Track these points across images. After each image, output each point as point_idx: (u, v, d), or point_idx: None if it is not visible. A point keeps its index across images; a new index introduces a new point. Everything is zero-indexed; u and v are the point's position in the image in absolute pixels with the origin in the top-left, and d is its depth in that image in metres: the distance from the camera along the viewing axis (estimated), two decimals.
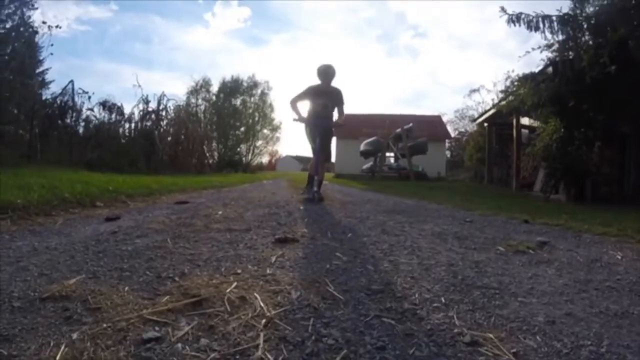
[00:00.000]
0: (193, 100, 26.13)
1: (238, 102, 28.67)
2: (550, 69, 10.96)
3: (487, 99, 27.02)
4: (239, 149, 27.02)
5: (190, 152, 12.14)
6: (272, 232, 2.31)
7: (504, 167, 15.51)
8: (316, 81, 5.11)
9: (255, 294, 1.16)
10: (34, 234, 2.06)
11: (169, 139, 11.45)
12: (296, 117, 5.01)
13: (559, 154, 10.37)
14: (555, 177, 10.64)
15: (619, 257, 2.12)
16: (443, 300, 1.27)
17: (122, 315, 1.00)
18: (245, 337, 0.90)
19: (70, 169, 6.61)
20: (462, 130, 30.89)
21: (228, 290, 1.18)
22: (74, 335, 0.89)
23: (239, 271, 1.43)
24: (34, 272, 1.37)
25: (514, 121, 13.86)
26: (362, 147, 18.37)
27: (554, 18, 10.41)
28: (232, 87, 28.60)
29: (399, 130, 17.20)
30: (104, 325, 0.94)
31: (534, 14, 10.48)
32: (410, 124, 17.72)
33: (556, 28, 10.52)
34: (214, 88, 28.41)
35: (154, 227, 2.29)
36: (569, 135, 10.19)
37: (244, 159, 25.89)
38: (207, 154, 16.07)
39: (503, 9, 10.04)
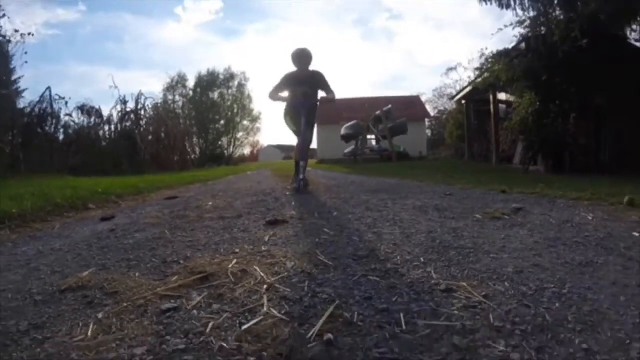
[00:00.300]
0: (170, 97, 25.94)
1: (216, 95, 28.58)
2: (523, 45, 11.21)
3: (465, 77, 27.14)
4: (220, 143, 26.98)
5: (172, 149, 12.16)
6: (263, 216, 2.44)
7: (484, 142, 15.79)
8: (292, 68, 4.67)
9: (255, 267, 1.30)
10: (36, 239, 2.15)
11: (150, 137, 11.38)
12: (279, 99, 4.55)
13: (536, 127, 10.66)
14: (533, 150, 10.95)
15: (590, 218, 2.30)
16: (422, 260, 1.42)
17: (138, 295, 1.12)
18: (251, 299, 1.04)
19: (55, 176, 6.62)
20: (442, 108, 31.02)
21: (230, 266, 1.31)
22: (100, 315, 1.01)
23: (237, 250, 1.56)
24: (46, 271, 1.47)
25: (491, 97, 14.12)
26: (342, 131, 18.50)
27: None
28: (208, 81, 28.44)
29: (378, 112, 17.39)
30: (125, 304, 1.06)
31: None
32: (389, 106, 17.91)
33: (527, 5, 10.75)
34: (190, 83, 28.23)
35: (150, 222, 2.41)
36: (545, 109, 10.46)
37: (225, 152, 25.87)
38: (189, 150, 16.07)
39: None
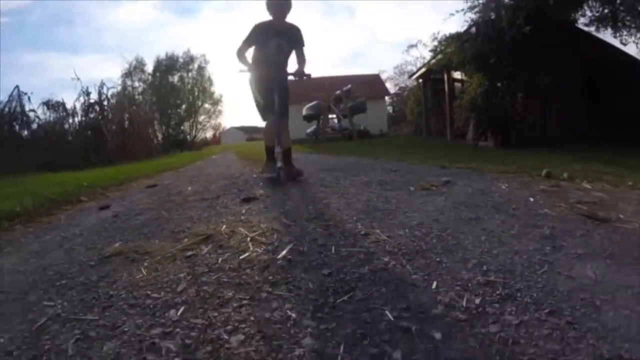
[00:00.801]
0: (129, 83, 25.52)
1: (175, 79, 28.31)
2: (473, 29, 12.00)
3: (425, 54, 27.19)
4: (182, 128, 26.92)
5: (137, 137, 12.32)
6: (237, 195, 3.00)
7: (440, 119, 16.65)
8: (266, 18, 3.83)
9: (240, 229, 1.88)
10: (51, 229, 2.61)
11: (114, 127, 11.49)
12: (244, 68, 3.77)
13: (484, 106, 11.57)
14: (483, 127, 11.88)
15: (504, 187, 2.90)
16: (354, 219, 2.04)
17: (165, 251, 1.68)
18: (241, 246, 1.63)
19: (29, 174, 6.86)
20: (403, 85, 31.57)
21: (222, 229, 1.89)
22: (145, 264, 1.56)
23: (224, 220, 2.12)
24: (80, 249, 1.95)
25: (445, 77, 14.93)
26: (304, 111, 18.97)
27: None
28: (167, 65, 28.12)
29: (338, 92, 17.96)
30: (158, 257, 1.62)
31: None
32: (349, 86, 18.50)
33: None
34: (149, 67, 27.79)
35: (144, 207, 2.92)
36: (493, 89, 11.36)
37: (188, 137, 25.88)
38: (152, 137, 16.21)
39: None
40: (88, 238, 2.15)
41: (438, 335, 0.92)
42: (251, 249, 1.56)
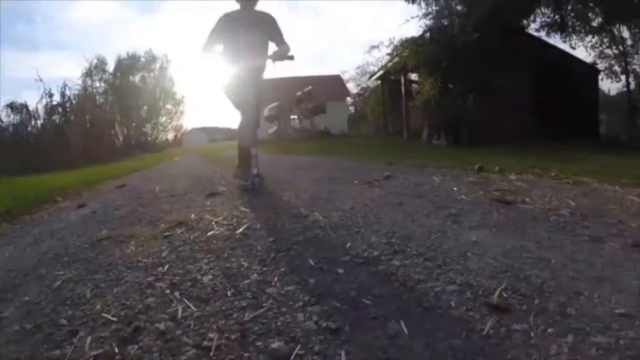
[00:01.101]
0: (89, 83, 25.01)
1: (137, 79, 27.97)
2: (428, 35, 12.81)
3: (386, 55, 28.62)
4: (144, 129, 26.65)
5: (99, 140, 12.37)
6: (202, 192, 3.42)
7: (398, 119, 17.44)
8: (234, 7, 3.45)
9: (206, 216, 2.32)
10: (37, 225, 2.94)
11: (77, 130, 11.41)
12: (211, 56, 3.39)
13: (437, 107, 12.40)
14: (436, 126, 12.70)
15: (436, 180, 3.43)
16: (300, 206, 2.52)
17: (147, 234, 2.10)
18: (208, 227, 2.07)
19: None
20: (364, 86, 32.09)
21: (192, 217, 2.32)
22: (132, 243, 1.97)
23: (192, 210, 2.56)
24: (71, 237, 2.32)
25: (402, 79, 15.71)
26: (266, 112, 19.30)
27: None
28: (129, 64, 27.69)
29: (299, 93, 18.45)
30: (142, 238, 2.04)
31: None
32: (309, 87, 19.03)
33: (430, 1, 12.30)
34: (110, 67, 27.27)
35: (120, 204, 3.29)
36: (445, 90, 12.18)
37: (149, 138, 25.69)
38: (115, 139, 16.17)
39: None
40: (75, 229, 2.53)
41: (341, 271, 1.41)
42: (216, 228, 2.01)
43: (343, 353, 0.90)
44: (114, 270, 1.58)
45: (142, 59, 28.91)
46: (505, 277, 1.32)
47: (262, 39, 3.45)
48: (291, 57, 3.43)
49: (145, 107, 27.71)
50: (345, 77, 33.56)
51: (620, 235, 1.73)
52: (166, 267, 1.54)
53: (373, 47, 32.51)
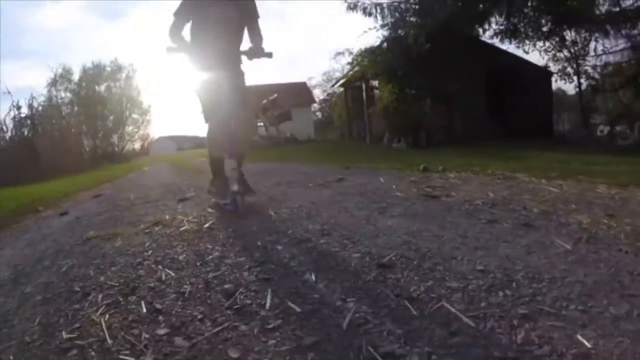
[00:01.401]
0: (54, 93, 24.68)
1: (102, 89, 27.75)
2: (385, 45, 13.61)
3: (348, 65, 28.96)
4: (111, 140, 26.49)
5: (67, 151, 12.48)
6: (174, 198, 3.88)
7: (361, 124, 18.18)
8: None
9: (178, 216, 2.81)
10: (27, 231, 3.34)
11: (45, 142, 11.50)
12: (173, 45, 2.85)
13: (396, 112, 13.20)
14: (395, 131, 13.49)
15: (382, 180, 4.03)
16: (258, 206, 3.04)
17: (130, 232, 2.57)
18: (180, 224, 2.56)
19: None
20: (331, 92, 32.84)
21: (166, 218, 2.80)
22: (118, 239, 2.43)
23: (166, 213, 3.03)
24: (62, 239, 2.75)
25: (363, 85, 16.50)
26: None
27: (385, 5, 12.92)
28: (94, 74, 27.45)
29: (265, 101, 18.99)
30: (127, 235, 2.50)
31: (368, 2, 12.90)
32: (275, 95, 19.60)
33: (386, 13, 13.08)
34: (75, 77, 26.96)
35: (100, 211, 3.72)
36: (403, 97, 12.99)
37: (116, 148, 25.57)
38: (82, 150, 16.21)
39: None
40: (65, 232, 2.96)
41: (280, 247, 1.93)
42: (187, 225, 2.50)
43: (270, 290, 1.42)
44: (108, 257, 2.05)
45: (108, 69, 28.78)
46: (400, 248, 1.83)
47: (238, 20, 3.00)
48: (269, 55, 2.98)
49: (111, 117, 27.49)
50: (312, 83, 34.08)
51: (516, 218, 2.22)
52: (150, 252, 2.02)
53: (338, 53, 33.15)
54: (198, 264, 1.75)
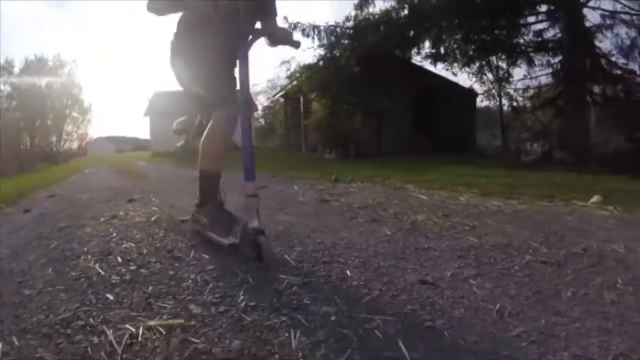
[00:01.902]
0: None
1: (44, 84, 27.06)
2: (321, 63, 14.94)
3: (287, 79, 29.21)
4: (51, 140, 25.89)
5: (7, 150, 12.54)
6: (123, 199, 4.79)
7: (298, 134, 19.41)
8: None
9: (131, 212, 3.77)
10: (1, 224, 4.15)
11: None
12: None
13: (328, 125, 14.56)
14: (327, 143, 14.84)
15: (295, 188, 5.17)
16: (189, 206, 4.07)
17: (94, 223, 3.50)
18: (133, 218, 3.53)
19: None
20: (274, 99, 33.78)
21: (121, 214, 3.75)
22: (87, 228, 3.37)
23: (121, 210, 3.97)
24: (37, 228, 3.63)
25: (301, 98, 17.78)
26: (174, 125, 20.18)
27: (322, 28, 14.28)
28: (36, 68, 26.66)
29: None
30: (92, 223, 3.43)
31: (307, 24, 14.18)
32: None
33: (322, 35, 14.42)
34: (17, 69, 26.15)
35: (60, 209, 4.54)
36: (335, 111, 14.37)
37: (54, 148, 25.06)
38: (22, 149, 16.11)
39: (285, 18, 13.55)
40: (37, 224, 3.79)
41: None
42: (138, 218, 3.48)
43: (192, 252, 2.48)
44: (84, 238, 2.97)
45: (50, 63, 28.20)
46: (275, 231, 2.96)
47: (249, 11, 2.33)
48: (297, 44, 2.53)
49: (51, 115, 26.82)
50: (256, 89, 34.72)
51: (371, 216, 3.35)
52: (114, 234, 2.99)
53: (284, 62, 34.05)
54: (150, 239, 2.77)
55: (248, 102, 2.32)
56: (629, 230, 3.00)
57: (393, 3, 13.80)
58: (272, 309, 1.52)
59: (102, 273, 2.11)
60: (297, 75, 17.82)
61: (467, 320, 1.50)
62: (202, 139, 2.55)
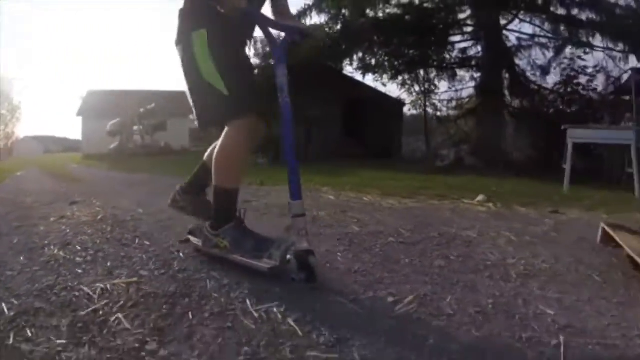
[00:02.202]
0: None
1: None
2: (255, 71, 15.83)
3: None
4: None
5: None
6: (65, 201, 5.33)
7: None
8: None
9: (76, 213, 4.38)
10: None
11: None
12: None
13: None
14: (259, 148, 15.62)
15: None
16: (123, 208, 4.75)
17: (46, 222, 4.10)
18: (80, 217, 4.17)
19: None
20: None
21: (68, 214, 4.35)
22: (42, 226, 3.98)
23: (68, 212, 4.56)
24: None
25: None
26: (108, 127, 20.15)
27: (258, 38, 15.03)
28: None
29: (142, 110, 19.79)
30: (45, 224, 4.04)
31: None
32: (153, 104, 20.48)
33: (259, 45, 15.11)
34: None
35: (7, 211, 4.98)
36: (267, 118, 15.31)
37: None
38: None
39: None
40: None
41: (128, 218, 3.74)
42: (85, 218, 4.12)
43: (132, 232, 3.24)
44: (41, 234, 3.49)
45: None
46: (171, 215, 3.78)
47: None
48: (322, 39, 2.28)
49: None
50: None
51: (260, 211, 4.27)
52: (68, 230, 3.61)
53: None
54: (100, 233, 3.47)
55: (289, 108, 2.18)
56: (496, 221, 3.83)
57: (326, 18, 14.91)
58: (196, 270, 2.33)
59: (68, 257, 2.79)
60: None
61: (328, 275, 2.34)
62: (216, 150, 2.30)
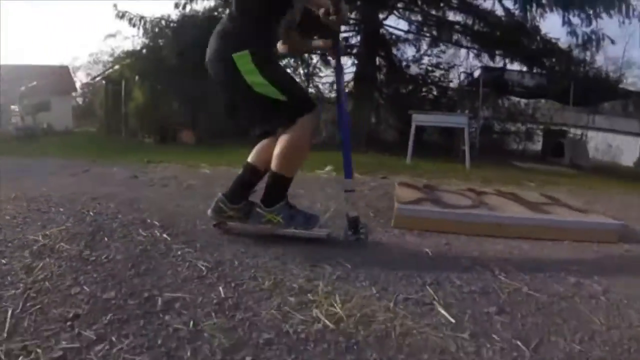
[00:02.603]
0: None
1: None
2: (144, 51, 16.20)
3: (125, 45, 26.47)
4: None
5: None
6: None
7: (119, 118, 20.01)
8: None
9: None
10: None
11: None
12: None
13: (148, 110, 16.07)
14: (147, 127, 16.36)
15: (114, 170, 7.03)
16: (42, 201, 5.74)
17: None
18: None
19: None
20: (96, 75, 31.76)
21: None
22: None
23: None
24: None
25: (123, 83, 18.68)
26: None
27: (148, 19, 15.60)
28: None
29: (23, 88, 18.70)
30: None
31: (134, 14, 15.33)
32: (34, 83, 19.35)
33: (148, 27, 15.75)
34: None
35: None
36: (155, 97, 15.87)
37: None
38: None
39: (115, 6, 14.56)
40: None
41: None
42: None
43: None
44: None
45: None
46: (101, 193, 5.00)
47: None
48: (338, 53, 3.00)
49: None
50: (76, 63, 32.48)
51: (164, 183, 5.61)
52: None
53: (110, 35, 32.01)
54: (19, 207, 4.47)
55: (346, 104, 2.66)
56: (328, 184, 5.60)
57: (215, 2, 15.82)
58: (103, 220, 3.58)
59: (3, 223, 3.92)
60: (120, 60, 18.64)
61: None
62: (283, 144, 2.55)
